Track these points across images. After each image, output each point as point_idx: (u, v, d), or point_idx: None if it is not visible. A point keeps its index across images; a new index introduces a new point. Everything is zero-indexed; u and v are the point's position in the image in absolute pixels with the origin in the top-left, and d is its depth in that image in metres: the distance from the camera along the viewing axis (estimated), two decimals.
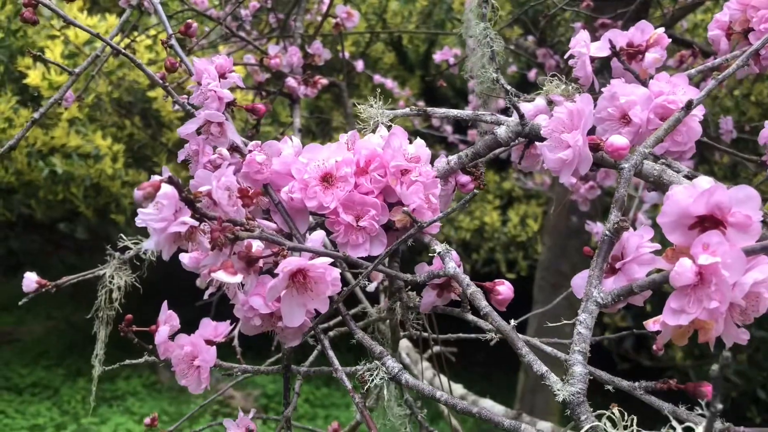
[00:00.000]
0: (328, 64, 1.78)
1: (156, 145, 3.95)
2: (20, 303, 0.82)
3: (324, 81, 1.17)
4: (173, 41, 0.63)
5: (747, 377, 3.56)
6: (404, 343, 1.22)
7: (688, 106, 0.51)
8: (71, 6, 3.94)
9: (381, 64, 4.71)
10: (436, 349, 0.86)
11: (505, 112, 0.72)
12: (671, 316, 0.41)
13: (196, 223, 0.42)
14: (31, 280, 0.79)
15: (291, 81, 1.12)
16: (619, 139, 0.49)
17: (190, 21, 0.73)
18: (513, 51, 2.29)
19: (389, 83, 3.66)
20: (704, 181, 0.44)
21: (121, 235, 0.83)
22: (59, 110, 3.70)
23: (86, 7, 4.09)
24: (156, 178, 0.42)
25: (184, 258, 0.47)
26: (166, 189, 0.41)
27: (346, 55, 1.96)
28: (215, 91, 0.56)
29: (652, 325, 0.44)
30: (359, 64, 3.21)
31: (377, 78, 3.61)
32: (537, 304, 2.40)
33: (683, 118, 0.52)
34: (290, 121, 1.17)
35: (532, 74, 2.92)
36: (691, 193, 0.43)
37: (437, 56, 2.33)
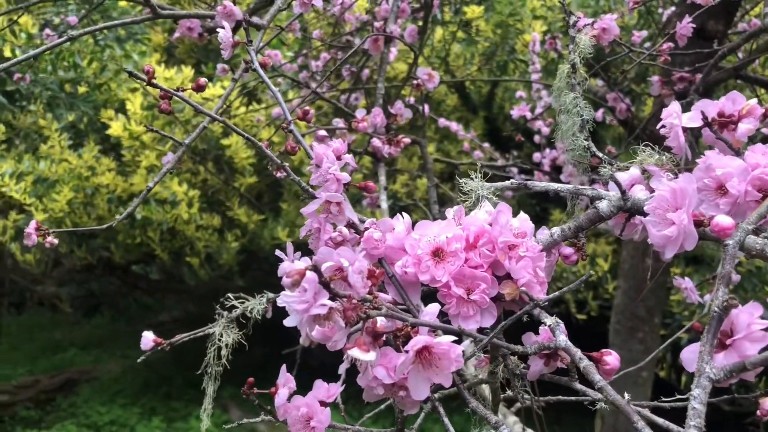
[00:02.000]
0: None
1: (228, 189, 4.11)
2: (138, 360, 0.88)
3: (407, 140, 1.22)
4: (292, 126, 0.69)
5: None
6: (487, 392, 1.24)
7: None
8: (150, 59, 4.19)
9: (444, 106, 4.78)
10: (527, 403, 0.88)
11: (594, 170, 0.75)
12: None
13: (335, 305, 0.47)
14: (148, 339, 0.86)
15: (376, 141, 1.17)
16: (724, 220, 0.52)
17: (308, 108, 0.80)
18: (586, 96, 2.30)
19: (454, 126, 3.70)
20: None
21: (229, 295, 0.89)
22: (138, 158, 3.91)
23: (163, 59, 4.34)
24: (298, 265, 0.47)
25: (315, 332, 0.52)
26: (309, 275, 0.46)
27: (411, 100, 2.02)
28: (335, 175, 0.61)
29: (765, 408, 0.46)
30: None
31: (442, 121, 3.67)
32: (613, 347, 2.36)
33: None
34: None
35: (599, 114, 2.92)
36: None
37: (515, 112, 2.37)
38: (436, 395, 0.66)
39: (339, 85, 2.51)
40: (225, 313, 0.89)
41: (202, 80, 0.73)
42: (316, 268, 0.46)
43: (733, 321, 0.51)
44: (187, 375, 4.55)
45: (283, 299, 0.48)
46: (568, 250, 0.64)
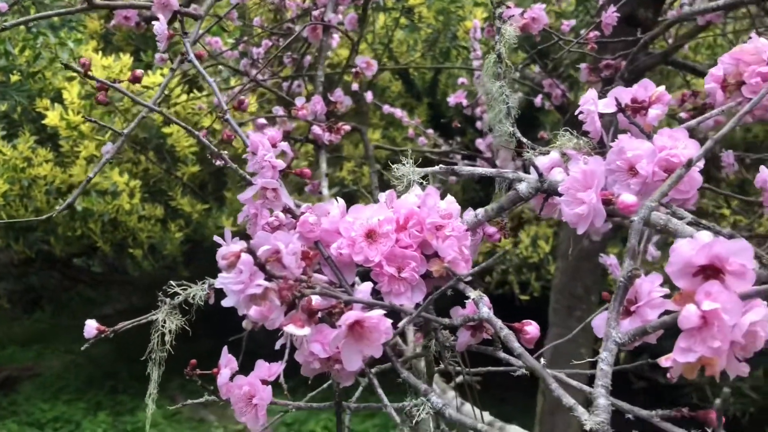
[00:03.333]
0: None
1: (171, 179, 4.05)
2: (82, 348, 0.89)
3: (347, 127, 1.25)
4: (228, 116, 0.71)
5: (764, 392, 3.59)
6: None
7: (688, 165, 0.58)
8: (87, 46, 4.07)
9: (389, 92, 4.81)
10: (460, 378, 0.92)
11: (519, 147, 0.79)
12: (681, 355, 0.48)
13: (271, 285, 0.50)
14: (91, 327, 0.87)
15: (316, 129, 1.20)
16: (628, 198, 0.56)
17: (243, 98, 0.82)
18: (520, 82, 2.37)
19: (398, 112, 3.74)
20: (705, 235, 0.51)
21: (171, 283, 0.90)
22: (77, 149, 3.81)
23: (100, 47, 4.22)
24: (234, 247, 0.49)
25: (253, 311, 0.54)
26: (245, 257, 0.49)
27: (355, 86, 2.04)
28: (270, 162, 0.63)
29: (664, 362, 0.51)
30: (368, 96, 3.30)
31: (386, 108, 3.70)
32: (553, 326, 2.45)
33: (684, 174, 0.59)
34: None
35: (538, 100, 3.00)
36: (694, 245, 0.50)
37: (451, 99, 2.42)
38: (373, 370, 0.69)
39: (281, 72, 2.50)
40: (167, 300, 0.90)
41: (139, 72, 0.74)
42: (250, 250, 0.49)
43: (637, 290, 0.56)
44: (133, 368, 4.49)
45: (221, 281, 0.51)
46: (491, 229, 0.68)
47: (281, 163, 0.65)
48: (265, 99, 3.55)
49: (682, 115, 1.42)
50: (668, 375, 0.57)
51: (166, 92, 3.11)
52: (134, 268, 4.29)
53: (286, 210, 0.65)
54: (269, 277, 0.52)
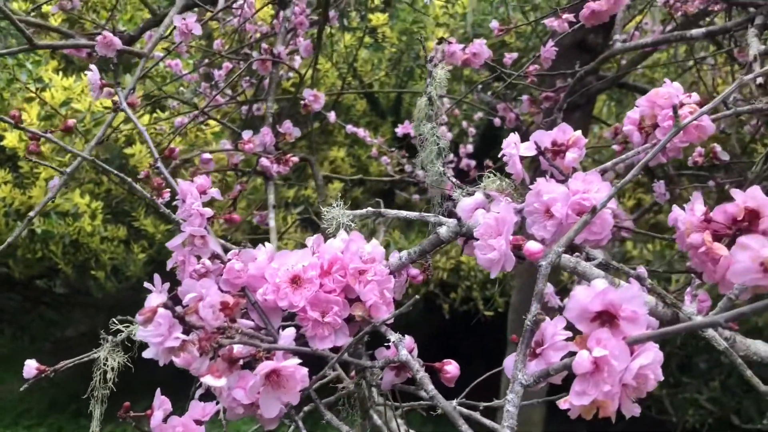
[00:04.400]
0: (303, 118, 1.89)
1: (134, 200, 4.02)
2: (21, 389, 0.89)
3: (295, 159, 1.27)
4: (159, 164, 0.73)
5: (721, 404, 3.67)
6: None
7: (593, 211, 0.62)
8: (47, 67, 4.04)
9: (354, 111, 4.85)
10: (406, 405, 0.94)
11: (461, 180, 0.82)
12: (576, 398, 0.51)
13: (188, 338, 0.52)
14: (31, 366, 0.87)
15: (264, 161, 1.22)
16: (533, 245, 0.60)
17: (173, 147, 0.83)
18: (474, 105, 2.43)
19: (361, 132, 3.78)
20: (600, 283, 0.54)
21: (113, 319, 0.91)
22: (37, 170, 3.77)
23: (61, 67, 4.19)
24: (152, 302, 0.51)
25: (177, 359, 0.56)
26: (162, 312, 0.51)
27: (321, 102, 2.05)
28: (198, 210, 0.65)
29: (563, 404, 0.54)
30: (332, 116, 3.33)
31: (350, 128, 3.73)
32: (510, 345, 2.49)
33: (590, 220, 0.62)
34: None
35: (497, 121, 3.06)
36: (589, 293, 0.53)
37: (399, 130, 2.45)
38: (300, 414, 0.71)
39: (240, 95, 2.52)
40: (110, 337, 0.92)
41: (71, 122, 0.75)
42: (167, 305, 0.51)
43: (543, 332, 0.59)
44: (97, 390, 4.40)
45: (141, 334, 0.53)
46: (414, 271, 0.71)
47: (209, 211, 0.67)
48: (228, 118, 3.57)
49: (615, 147, 1.48)
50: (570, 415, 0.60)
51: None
52: (97, 289, 4.24)
53: (214, 256, 0.67)
54: (189, 328, 0.54)
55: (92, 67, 0.82)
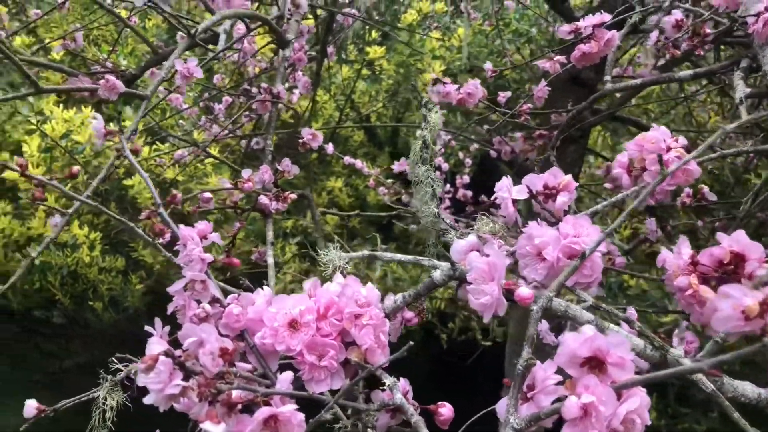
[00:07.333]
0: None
1: (131, 229, 4.03)
2: (21, 429, 0.90)
3: (293, 196, 1.29)
4: (161, 210, 0.75)
5: None
6: None
7: (582, 257, 0.64)
8: (48, 100, 4.09)
9: (351, 141, 4.89)
10: None
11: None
12: None
13: (188, 384, 0.53)
14: (31, 407, 0.88)
15: (263, 198, 1.24)
16: (524, 291, 0.62)
17: (175, 192, 0.86)
18: (470, 139, 2.46)
19: (359, 164, 3.81)
20: (588, 329, 0.56)
21: (113, 358, 0.92)
22: (37, 202, 3.79)
23: (62, 100, 4.24)
24: (153, 350, 0.53)
25: (179, 405, 0.58)
26: (163, 359, 0.52)
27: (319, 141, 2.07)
28: (199, 256, 0.67)
29: None
30: (329, 148, 3.36)
31: (347, 159, 3.77)
32: (509, 375, 2.49)
33: (579, 265, 0.64)
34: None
35: (493, 153, 3.10)
36: (578, 339, 0.55)
37: (396, 167, 2.47)
38: None
39: (240, 129, 2.56)
40: (109, 377, 0.92)
41: (75, 169, 0.78)
42: (168, 353, 0.52)
43: (534, 376, 0.60)
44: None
45: (141, 381, 0.54)
46: (409, 314, 0.73)
47: (209, 257, 0.68)
48: (229, 149, 3.60)
49: (607, 185, 1.50)
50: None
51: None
52: (95, 320, 4.24)
53: (214, 300, 0.68)
54: (188, 374, 0.55)
55: (96, 115, 0.85)
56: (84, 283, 3.92)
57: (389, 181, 3.98)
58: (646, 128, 2.58)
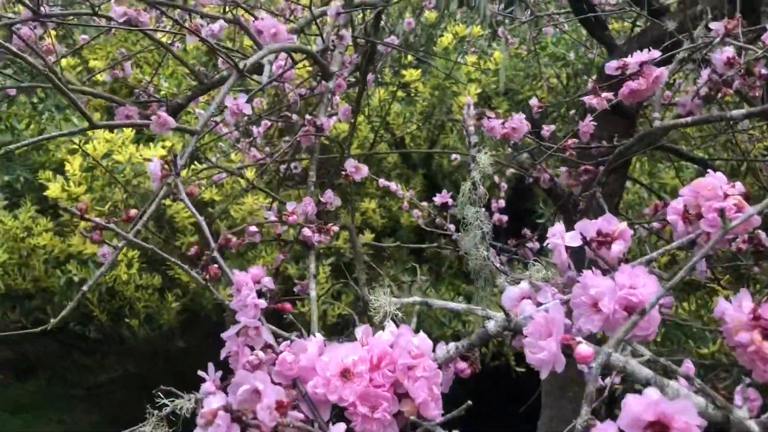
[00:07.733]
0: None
1: (169, 249, 4.08)
2: None
3: (335, 228, 1.30)
4: (216, 254, 0.75)
5: None
6: None
7: (642, 312, 0.62)
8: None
9: (385, 162, 4.91)
10: None
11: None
12: None
13: None
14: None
15: (306, 231, 1.24)
16: (584, 349, 0.60)
17: (230, 236, 0.87)
18: (507, 165, 2.44)
19: (393, 186, 3.81)
20: (653, 392, 0.54)
21: (159, 393, 0.93)
22: (77, 219, 3.87)
23: (104, 119, 4.33)
24: (212, 404, 0.53)
25: None
26: (222, 414, 0.53)
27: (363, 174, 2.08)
28: (254, 302, 0.68)
29: None
30: (364, 170, 3.37)
31: (382, 182, 3.77)
32: (545, 408, 2.44)
33: (638, 321, 0.63)
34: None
35: (529, 179, 3.08)
36: (642, 402, 0.54)
37: (438, 199, 2.45)
38: None
39: (279, 154, 2.58)
40: (155, 412, 0.93)
41: (132, 212, 0.79)
42: (227, 408, 0.52)
43: None
44: None
45: None
46: (462, 365, 0.72)
47: (263, 303, 0.69)
48: (263, 168, 3.65)
49: (655, 224, 1.48)
50: None
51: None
52: (130, 336, 4.29)
53: (266, 346, 0.68)
54: (245, 427, 0.55)
55: (154, 159, 0.86)
56: (121, 299, 3.99)
57: (423, 203, 3.98)
58: (687, 156, 2.53)
